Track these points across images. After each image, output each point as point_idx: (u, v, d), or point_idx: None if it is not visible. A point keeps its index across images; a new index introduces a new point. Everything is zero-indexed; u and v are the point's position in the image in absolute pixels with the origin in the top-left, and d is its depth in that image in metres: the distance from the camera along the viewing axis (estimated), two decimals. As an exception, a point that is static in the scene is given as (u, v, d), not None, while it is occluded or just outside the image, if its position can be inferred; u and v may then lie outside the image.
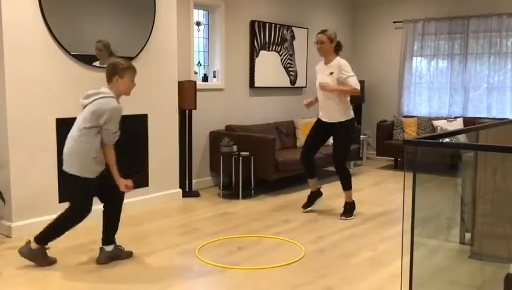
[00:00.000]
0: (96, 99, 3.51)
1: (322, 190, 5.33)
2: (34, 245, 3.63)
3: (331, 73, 4.86)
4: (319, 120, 5.04)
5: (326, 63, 4.97)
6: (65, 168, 3.60)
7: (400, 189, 6.39)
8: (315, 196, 5.28)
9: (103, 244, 3.77)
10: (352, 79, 4.82)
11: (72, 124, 3.68)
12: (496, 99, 7.62)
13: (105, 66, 3.78)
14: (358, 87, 4.83)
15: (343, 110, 4.87)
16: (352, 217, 5.00)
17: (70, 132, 3.64)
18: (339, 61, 4.92)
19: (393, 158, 8.05)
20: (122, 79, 3.59)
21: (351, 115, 4.93)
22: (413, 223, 2.45)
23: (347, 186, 5.02)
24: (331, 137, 5.02)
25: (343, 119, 4.87)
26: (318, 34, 4.93)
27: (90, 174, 3.59)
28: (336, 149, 4.97)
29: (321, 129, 5.03)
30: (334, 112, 4.88)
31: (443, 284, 3.42)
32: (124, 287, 3.32)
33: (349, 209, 5.04)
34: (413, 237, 2.46)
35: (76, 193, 3.66)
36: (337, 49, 4.98)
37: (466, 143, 3.70)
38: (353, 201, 5.08)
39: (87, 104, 3.55)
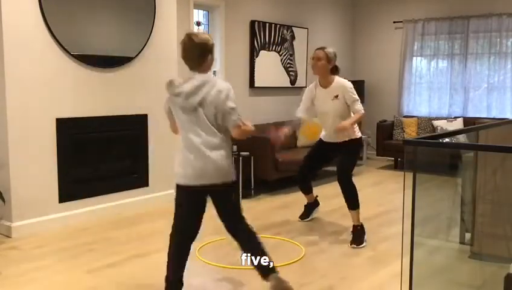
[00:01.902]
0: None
1: (318, 198, 5.13)
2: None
3: (336, 96, 4.31)
4: (326, 142, 4.64)
5: (325, 85, 4.38)
6: (217, 180, 2.91)
7: (400, 189, 6.38)
8: (312, 206, 5.06)
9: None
10: (359, 104, 4.32)
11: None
12: (496, 99, 7.62)
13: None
14: (363, 112, 4.41)
15: (354, 128, 4.47)
16: (365, 243, 4.24)
17: (195, 137, 2.88)
18: (342, 82, 4.34)
19: (393, 158, 8.05)
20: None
21: (360, 132, 4.57)
22: (413, 223, 2.45)
23: (354, 204, 4.35)
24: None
25: (358, 136, 4.49)
26: (316, 49, 4.39)
27: None
28: (344, 163, 4.46)
29: (328, 150, 4.65)
30: (348, 131, 4.40)
31: (443, 284, 3.42)
32: (124, 287, 3.32)
33: (358, 234, 4.30)
34: (413, 237, 2.46)
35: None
36: (334, 70, 4.39)
37: (466, 143, 3.70)
38: (362, 224, 4.36)
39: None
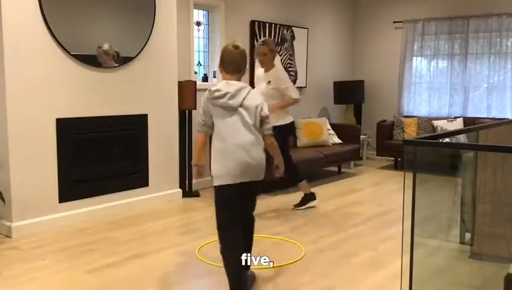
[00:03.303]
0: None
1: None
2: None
3: (269, 82, 4.92)
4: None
5: (266, 70, 4.99)
6: (256, 177, 3.17)
7: (400, 189, 6.38)
8: (308, 198, 5.29)
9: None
10: (291, 90, 4.95)
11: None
12: (496, 99, 7.61)
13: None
14: (298, 96, 5.03)
15: (280, 115, 5.00)
16: (308, 205, 5.18)
17: (237, 136, 3.08)
18: (277, 71, 4.95)
19: (393, 158, 8.04)
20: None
21: (290, 119, 5.16)
22: (413, 223, 2.45)
23: (297, 179, 5.18)
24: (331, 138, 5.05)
25: (283, 123, 5.02)
26: (259, 45, 4.87)
27: None
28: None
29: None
30: (276, 114, 4.82)
31: (443, 284, 3.42)
32: (124, 287, 3.32)
33: (306, 198, 5.22)
34: (413, 237, 2.46)
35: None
36: (274, 58, 5.01)
37: (466, 143, 3.70)
38: (312, 192, 5.24)
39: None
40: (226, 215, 3.13)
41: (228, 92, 3.06)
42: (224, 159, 3.07)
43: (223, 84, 3.12)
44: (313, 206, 5.26)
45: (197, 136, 3.28)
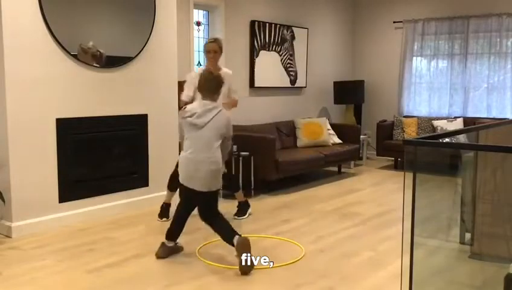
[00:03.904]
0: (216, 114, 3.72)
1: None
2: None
3: None
4: None
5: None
6: (212, 187, 3.72)
7: (400, 189, 6.38)
8: (245, 206, 5.06)
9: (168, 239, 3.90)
10: (235, 91, 4.97)
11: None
12: (496, 99, 7.62)
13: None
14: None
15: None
16: (247, 215, 5.02)
17: (197, 151, 3.67)
18: (227, 70, 4.90)
19: (393, 158, 8.05)
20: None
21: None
22: (413, 223, 2.45)
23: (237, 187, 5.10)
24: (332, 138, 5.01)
25: None
26: (210, 42, 4.80)
27: None
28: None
29: None
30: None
31: (443, 284, 3.42)
32: (124, 287, 3.32)
33: (243, 207, 5.04)
34: (413, 237, 2.46)
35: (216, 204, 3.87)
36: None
37: (466, 143, 3.70)
38: (246, 199, 5.09)
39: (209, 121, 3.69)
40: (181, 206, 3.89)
41: (195, 112, 3.66)
42: (186, 167, 3.70)
43: (195, 104, 3.78)
44: (251, 213, 5.10)
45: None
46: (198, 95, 3.99)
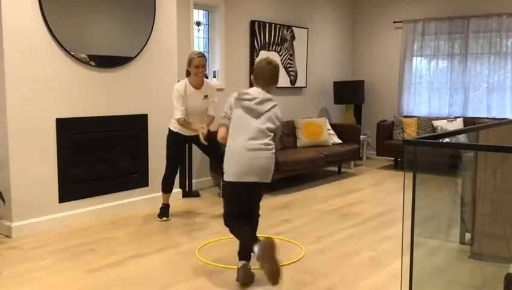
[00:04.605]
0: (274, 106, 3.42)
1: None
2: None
3: (206, 96, 4.84)
4: (183, 136, 4.88)
5: (198, 86, 4.78)
6: (264, 179, 3.34)
7: (400, 189, 6.39)
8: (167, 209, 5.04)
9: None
10: (214, 107, 4.94)
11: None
12: (496, 100, 7.61)
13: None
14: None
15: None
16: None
17: (253, 138, 3.29)
18: (210, 83, 4.95)
19: (393, 158, 8.05)
20: None
21: None
22: (413, 223, 2.45)
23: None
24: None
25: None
26: (200, 57, 4.69)
27: None
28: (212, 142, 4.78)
29: (189, 142, 5.09)
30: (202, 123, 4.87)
31: (443, 284, 3.43)
32: (124, 287, 3.32)
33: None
34: (413, 237, 2.46)
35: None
36: None
37: (466, 143, 3.70)
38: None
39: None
40: (230, 208, 3.43)
41: (257, 98, 3.34)
42: (233, 158, 3.31)
43: (254, 90, 3.40)
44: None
45: (219, 128, 3.47)
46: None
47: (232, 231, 3.40)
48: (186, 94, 4.73)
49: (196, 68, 4.68)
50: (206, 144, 4.63)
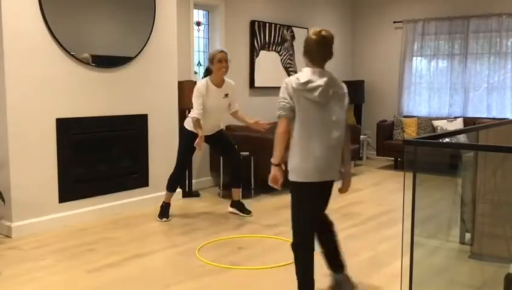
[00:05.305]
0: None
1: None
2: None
3: (227, 95, 4.82)
4: (208, 135, 4.84)
5: (219, 85, 4.75)
6: (334, 177, 2.92)
7: (400, 189, 6.38)
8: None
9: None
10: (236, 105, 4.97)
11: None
12: (496, 100, 7.62)
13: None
14: None
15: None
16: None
17: (326, 133, 2.82)
18: (230, 82, 4.88)
19: (393, 158, 8.05)
20: None
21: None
22: (413, 223, 2.45)
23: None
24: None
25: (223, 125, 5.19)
26: (221, 52, 4.68)
27: None
28: (231, 144, 5.07)
29: (213, 141, 5.03)
30: (220, 122, 5.04)
31: (443, 284, 3.42)
32: (124, 287, 3.32)
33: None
34: (413, 237, 2.46)
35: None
36: None
37: (466, 143, 3.70)
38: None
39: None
40: (306, 216, 2.92)
41: (320, 86, 2.80)
42: (308, 156, 2.81)
43: (307, 74, 2.84)
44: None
45: (280, 123, 2.86)
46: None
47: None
48: (207, 93, 4.70)
49: (219, 63, 4.66)
50: (200, 151, 4.62)
